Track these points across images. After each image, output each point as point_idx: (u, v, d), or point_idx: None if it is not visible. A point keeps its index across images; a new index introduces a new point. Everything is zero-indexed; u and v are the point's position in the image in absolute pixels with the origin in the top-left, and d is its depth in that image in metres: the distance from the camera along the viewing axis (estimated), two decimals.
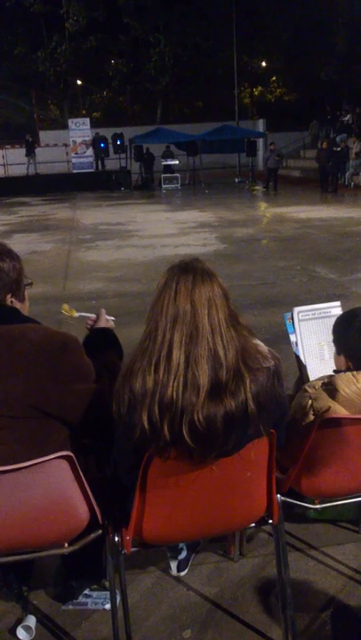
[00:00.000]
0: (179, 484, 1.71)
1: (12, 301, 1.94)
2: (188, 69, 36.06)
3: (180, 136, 25.97)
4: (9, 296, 1.93)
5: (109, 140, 25.47)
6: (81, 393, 1.86)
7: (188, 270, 1.66)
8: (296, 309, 2.49)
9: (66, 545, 1.86)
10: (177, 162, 25.12)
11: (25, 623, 2.17)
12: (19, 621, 2.21)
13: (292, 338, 2.50)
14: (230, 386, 1.60)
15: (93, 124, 27.76)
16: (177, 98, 39.89)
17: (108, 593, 2.25)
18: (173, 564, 2.42)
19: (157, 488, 1.72)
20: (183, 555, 2.43)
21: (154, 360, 1.61)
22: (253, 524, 1.99)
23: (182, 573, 2.42)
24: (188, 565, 2.44)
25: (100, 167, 25.89)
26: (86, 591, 2.31)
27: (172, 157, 25.09)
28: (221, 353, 1.60)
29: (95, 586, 2.34)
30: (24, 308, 2.02)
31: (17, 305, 1.97)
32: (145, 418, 1.59)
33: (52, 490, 1.74)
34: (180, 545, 2.42)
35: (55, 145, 28.63)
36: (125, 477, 1.78)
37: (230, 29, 30.27)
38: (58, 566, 2.43)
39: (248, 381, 1.61)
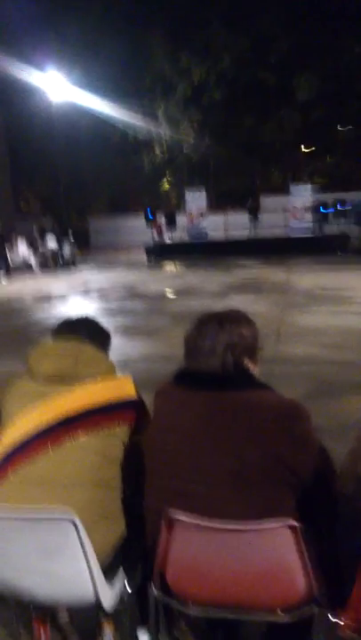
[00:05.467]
0: None
1: (248, 365, 2.07)
2: None
3: None
4: (247, 360, 2.06)
5: (330, 206, 25.58)
6: (311, 460, 1.90)
7: None
8: None
9: (280, 612, 1.85)
10: None
11: None
12: None
13: None
14: None
15: (315, 190, 28.17)
16: None
17: None
18: None
19: None
20: None
21: None
22: None
23: None
24: None
25: (318, 232, 26.04)
26: None
27: None
28: None
29: None
30: (256, 371, 2.13)
31: (252, 368, 2.08)
32: None
33: (273, 555, 1.77)
34: None
35: (275, 210, 29.57)
36: (348, 556, 1.74)
37: None
38: (263, 634, 2.40)
39: None
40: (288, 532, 1.72)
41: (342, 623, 1.76)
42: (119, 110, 32.69)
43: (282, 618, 1.86)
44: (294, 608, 1.86)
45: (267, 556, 1.77)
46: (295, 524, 1.70)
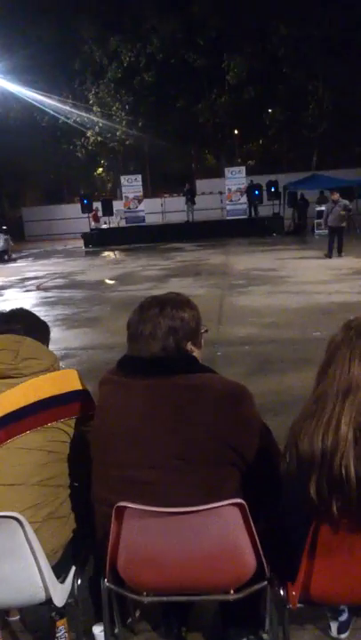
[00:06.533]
0: (351, 547, 1.68)
1: (191, 349, 2.05)
2: (347, 115, 35.77)
3: (335, 182, 25.58)
4: (189, 344, 2.04)
5: (264, 187, 25.93)
6: (255, 440, 1.91)
7: None
8: None
9: (232, 592, 1.88)
10: None
11: None
12: None
13: None
14: None
15: (248, 172, 28.46)
16: (334, 143, 39.63)
17: None
18: (334, 626, 2.33)
19: (328, 548, 1.70)
20: (344, 617, 2.33)
21: (321, 429, 1.62)
22: None
23: (343, 636, 2.33)
24: (349, 629, 2.34)
25: (253, 214, 26.37)
26: None
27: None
28: None
29: (252, 636, 2.32)
30: (199, 354, 2.13)
31: (195, 352, 2.07)
32: (313, 491, 1.60)
33: (222, 536, 1.79)
34: (342, 606, 2.33)
35: (211, 193, 29.74)
36: (294, 531, 1.78)
37: None
38: (215, 611, 2.45)
39: None
40: (236, 511, 1.73)
41: (292, 595, 1.81)
42: (50, 96, 32.01)
43: (234, 596, 1.89)
44: (246, 585, 1.89)
45: (216, 535, 1.78)
46: (242, 502, 1.72)
